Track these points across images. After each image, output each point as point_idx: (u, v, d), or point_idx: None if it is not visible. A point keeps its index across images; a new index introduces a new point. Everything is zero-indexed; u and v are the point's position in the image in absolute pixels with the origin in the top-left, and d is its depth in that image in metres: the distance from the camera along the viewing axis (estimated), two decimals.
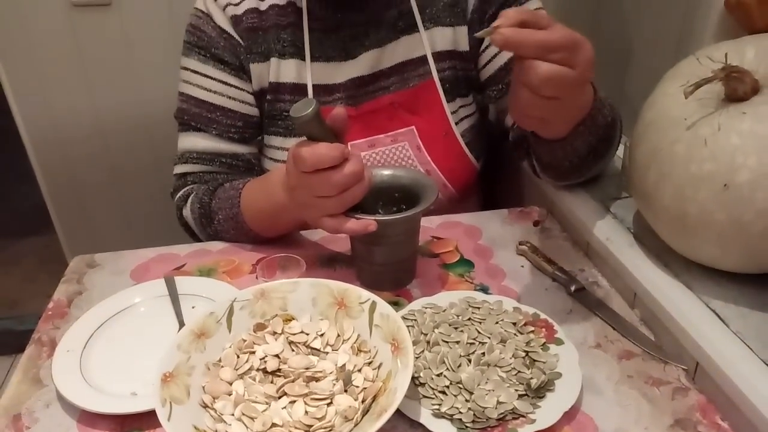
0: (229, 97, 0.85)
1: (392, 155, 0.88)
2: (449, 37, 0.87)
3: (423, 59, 0.87)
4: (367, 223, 0.64)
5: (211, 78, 0.85)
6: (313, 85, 0.85)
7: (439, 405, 0.55)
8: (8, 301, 1.93)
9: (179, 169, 0.89)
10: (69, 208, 1.40)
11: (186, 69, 0.86)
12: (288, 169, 0.66)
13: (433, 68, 0.87)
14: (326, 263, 0.78)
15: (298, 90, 0.86)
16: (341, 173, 0.62)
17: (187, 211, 0.86)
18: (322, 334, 0.61)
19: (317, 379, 0.56)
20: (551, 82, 0.53)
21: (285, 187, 0.69)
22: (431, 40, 0.86)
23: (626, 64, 1.00)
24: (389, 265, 0.71)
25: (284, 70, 0.85)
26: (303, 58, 0.85)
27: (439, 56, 0.87)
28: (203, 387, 0.55)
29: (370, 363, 0.58)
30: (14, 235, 2.21)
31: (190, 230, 0.88)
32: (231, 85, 0.85)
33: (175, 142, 0.89)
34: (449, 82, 0.88)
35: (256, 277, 0.75)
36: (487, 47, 0.87)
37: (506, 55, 0.85)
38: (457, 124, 0.89)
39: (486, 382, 0.56)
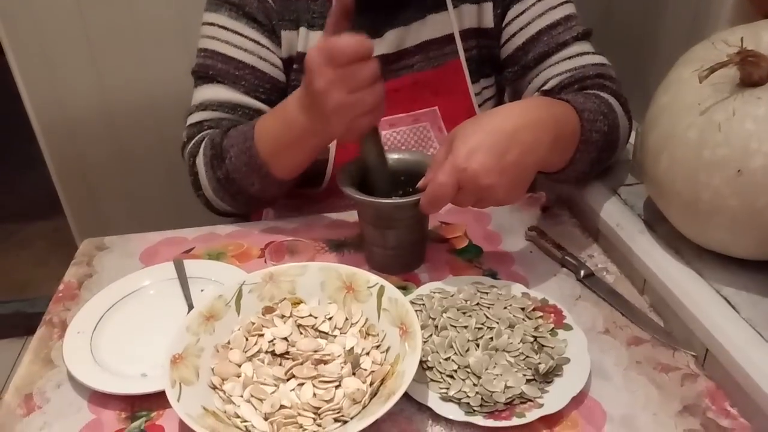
0: (260, 57, 0.82)
1: (413, 136, 0.88)
2: (475, 14, 0.86)
3: (449, 38, 0.86)
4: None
5: (242, 35, 0.82)
6: None
7: (447, 389, 0.55)
8: (19, 284, 1.94)
9: (195, 118, 0.83)
10: (78, 191, 1.41)
11: (213, 24, 0.82)
12: (316, 72, 0.62)
13: (460, 47, 0.86)
14: (335, 247, 0.78)
15: None
16: (373, 63, 0.61)
17: (199, 159, 0.79)
18: (330, 318, 0.61)
19: (325, 362, 0.57)
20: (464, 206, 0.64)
21: (307, 102, 0.66)
22: (459, 18, 0.85)
23: (640, 48, 0.99)
24: (400, 249, 0.71)
25: (312, 42, 0.83)
26: None
27: (465, 35, 0.86)
28: (212, 369, 0.56)
29: (378, 346, 0.58)
30: (24, 219, 2.23)
31: (197, 185, 0.82)
32: (263, 46, 0.82)
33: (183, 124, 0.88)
34: (475, 61, 0.87)
35: (265, 261, 0.75)
36: (509, 23, 0.86)
37: (524, 35, 0.84)
38: (480, 106, 0.89)
39: (494, 367, 0.56)
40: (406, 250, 0.72)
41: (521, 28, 0.84)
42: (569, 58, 0.82)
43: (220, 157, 0.76)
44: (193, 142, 0.81)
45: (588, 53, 0.83)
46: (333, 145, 0.85)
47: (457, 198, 0.62)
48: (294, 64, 0.85)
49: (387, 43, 0.84)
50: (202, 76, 0.83)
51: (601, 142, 0.73)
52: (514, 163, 0.60)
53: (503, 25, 0.86)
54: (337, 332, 0.60)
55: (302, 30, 0.83)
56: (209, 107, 0.82)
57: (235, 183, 0.77)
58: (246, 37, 0.82)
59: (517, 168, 0.61)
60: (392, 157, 0.73)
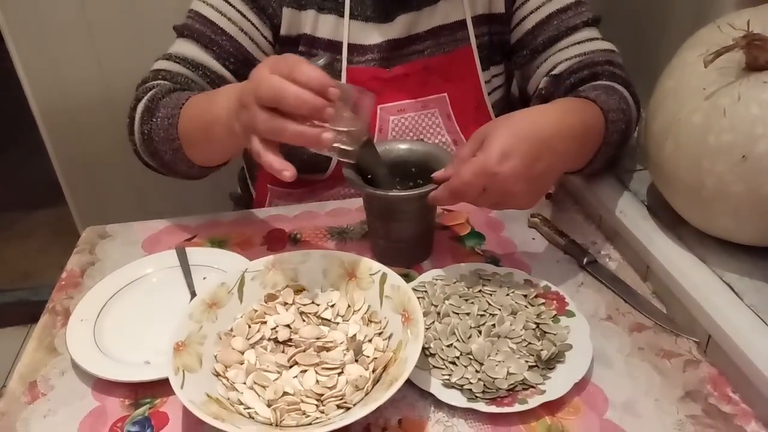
0: (241, 30, 0.81)
1: (421, 122, 0.87)
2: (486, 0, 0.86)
3: (461, 24, 0.85)
4: (284, 167, 0.56)
5: (230, 4, 0.80)
6: (348, 44, 0.83)
7: (450, 375, 0.55)
8: (22, 272, 1.95)
9: (157, 65, 0.82)
10: (80, 180, 1.41)
11: None
12: (247, 88, 0.57)
13: (472, 33, 0.85)
14: (337, 235, 0.78)
15: (333, 47, 0.83)
16: (296, 129, 0.54)
17: (140, 106, 0.77)
18: (332, 305, 0.61)
19: (328, 349, 0.57)
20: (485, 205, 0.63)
21: (231, 98, 0.61)
22: (471, 4, 0.85)
23: (645, 31, 0.98)
24: (405, 242, 0.71)
25: (321, 25, 0.82)
26: (341, 15, 0.82)
27: (477, 21, 0.86)
28: (215, 356, 0.56)
29: (380, 333, 0.58)
30: (27, 207, 2.23)
31: (130, 129, 0.79)
32: (248, 20, 0.81)
33: None
34: (486, 48, 0.87)
35: (267, 249, 0.75)
36: (519, 7, 0.85)
37: (534, 19, 0.84)
38: (489, 94, 0.89)
39: (496, 353, 0.56)
40: (412, 242, 0.71)
41: (531, 12, 0.84)
42: (579, 43, 0.82)
43: (151, 113, 0.74)
44: (143, 87, 0.79)
45: (597, 39, 0.83)
46: None
47: (477, 199, 0.60)
48: (300, 46, 0.83)
49: (398, 28, 0.84)
50: (180, 32, 0.82)
51: (619, 141, 0.73)
52: (543, 172, 0.60)
53: (513, 9, 0.86)
54: (339, 319, 0.60)
55: (311, 12, 0.82)
56: (173, 58, 0.81)
57: (153, 143, 0.75)
58: (233, 6, 0.81)
59: (545, 177, 0.61)
60: (402, 147, 0.72)
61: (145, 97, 0.76)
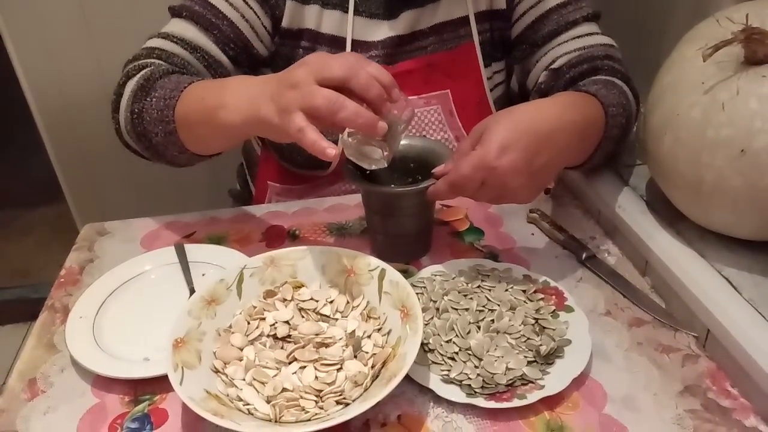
0: (243, 17, 0.80)
1: (424, 118, 0.87)
2: None
3: (463, 20, 0.85)
4: (329, 144, 0.55)
5: None
6: (352, 40, 0.83)
7: (449, 371, 0.55)
8: (21, 269, 1.95)
9: (151, 43, 0.79)
10: (79, 176, 1.41)
11: None
12: (298, 69, 0.57)
13: (474, 30, 0.85)
14: (336, 231, 0.78)
15: (337, 43, 0.83)
16: (358, 107, 0.55)
17: (131, 83, 0.74)
18: (331, 301, 0.61)
19: (327, 345, 0.57)
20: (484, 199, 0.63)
21: (266, 82, 0.61)
22: (474, 0, 0.85)
23: (643, 25, 0.97)
24: (404, 237, 0.71)
25: (326, 21, 0.82)
26: (346, 11, 0.82)
27: (479, 17, 0.86)
28: (214, 353, 0.56)
29: (379, 329, 0.58)
30: (26, 204, 2.23)
31: (116, 106, 0.76)
32: (250, 7, 0.80)
33: None
34: (488, 45, 0.87)
35: (266, 245, 0.75)
36: (519, 2, 0.86)
37: (534, 14, 0.84)
38: (491, 90, 0.89)
39: (495, 349, 0.56)
40: (411, 238, 0.71)
41: (531, 7, 0.84)
42: (578, 37, 0.82)
43: (145, 91, 0.71)
44: (135, 64, 0.77)
45: (597, 33, 0.83)
46: None
47: (476, 193, 0.60)
48: (303, 40, 0.83)
49: (402, 24, 0.84)
50: (178, 13, 0.80)
51: (619, 135, 0.73)
52: (543, 167, 0.60)
53: (514, 4, 0.86)
54: (338, 315, 0.60)
55: (314, 7, 0.81)
56: (170, 38, 0.79)
57: (143, 123, 0.72)
58: None
59: (545, 171, 0.61)
60: (401, 142, 0.72)
61: (138, 75, 0.74)
